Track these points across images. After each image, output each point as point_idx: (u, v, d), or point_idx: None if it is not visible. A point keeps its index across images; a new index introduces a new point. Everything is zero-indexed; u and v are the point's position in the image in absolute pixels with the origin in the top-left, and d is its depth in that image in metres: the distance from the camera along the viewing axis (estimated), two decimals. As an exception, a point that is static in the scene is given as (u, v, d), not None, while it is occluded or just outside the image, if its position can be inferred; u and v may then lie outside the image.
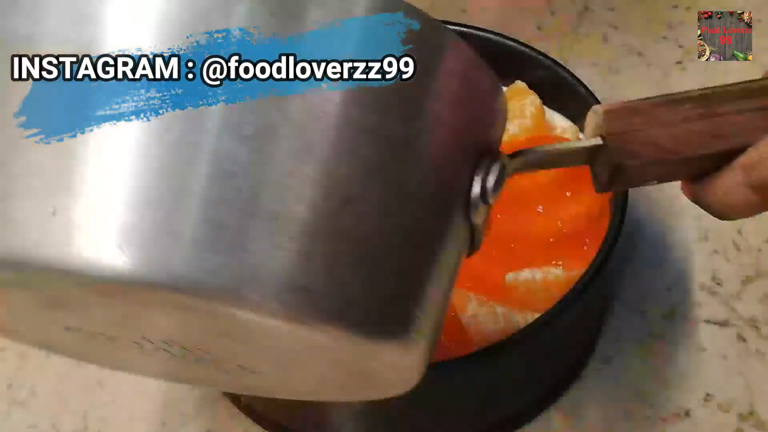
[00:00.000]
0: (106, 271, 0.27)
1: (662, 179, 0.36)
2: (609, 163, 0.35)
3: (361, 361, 0.32)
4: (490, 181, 0.33)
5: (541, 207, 0.52)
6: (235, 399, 0.54)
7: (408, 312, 0.31)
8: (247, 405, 0.54)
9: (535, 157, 0.36)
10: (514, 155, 0.35)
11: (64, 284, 0.28)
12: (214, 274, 0.27)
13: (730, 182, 0.35)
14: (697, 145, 0.35)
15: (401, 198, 0.30)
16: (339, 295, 0.29)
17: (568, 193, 0.52)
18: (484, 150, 0.34)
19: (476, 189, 0.33)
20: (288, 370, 0.35)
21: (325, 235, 0.29)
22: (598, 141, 0.35)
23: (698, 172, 0.36)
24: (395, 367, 0.32)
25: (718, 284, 0.58)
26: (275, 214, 0.28)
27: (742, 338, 0.56)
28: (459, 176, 0.33)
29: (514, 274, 0.50)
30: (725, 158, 0.35)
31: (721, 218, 0.37)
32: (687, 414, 0.53)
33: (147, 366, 0.39)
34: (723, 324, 0.56)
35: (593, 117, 0.36)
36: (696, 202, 0.37)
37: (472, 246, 0.35)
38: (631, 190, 0.50)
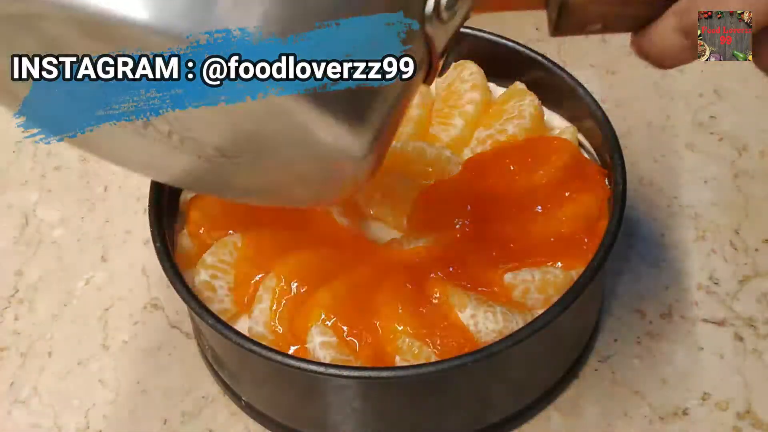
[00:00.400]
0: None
1: (607, 24, 0.39)
2: (556, 1, 0.38)
3: (315, 136, 0.34)
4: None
5: (540, 207, 0.52)
6: (236, 398, 0.54)
7: (360, 101, 0.34)
8: (247, 404, 0.54)
9: None
10: None
11: (62, 20, 0.29)
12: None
13: (664, 28, 0.38)
14: None
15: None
16: None
17: (567, 194, 0.52)
18: None
19: (429, 5, 0.34)
20: (257, 153, 0.38)
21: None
22: None
23: (638, 22, 0.39)
24: (345, 149, 0.35)
25: (716, 284, 0.58)
26: None
27: (739, 337, 0.56)
28: None
29: (514, 274, 0.50)
30: (661, 7, 0.38)
31: (659, 66, 0.40)
32: (685, 413, 0.53)
33: (137, 149, 0.40)
34: (720, 323, 0.57)
35: None
36: (639, 54, 0.40)
37: (430, 69, 0.37)
38: (629, 190, 0.50)
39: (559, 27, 0.39)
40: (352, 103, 0.34)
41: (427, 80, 0.38)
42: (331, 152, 0.35)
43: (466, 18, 0.37)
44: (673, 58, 0.39)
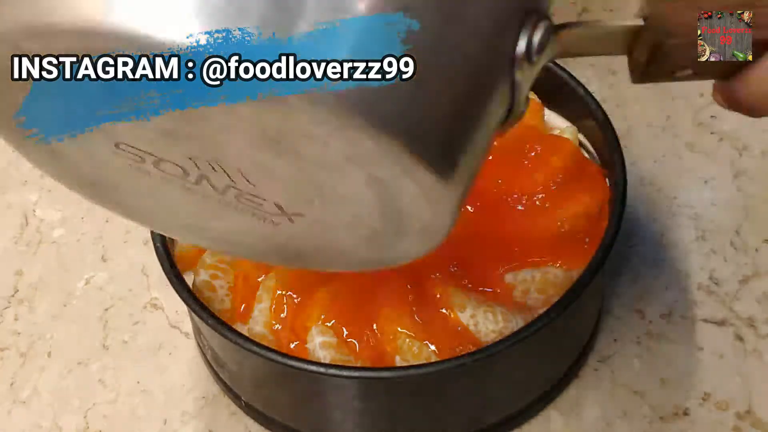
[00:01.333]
0: (178, 38, 0.28)
1: (699, 70, 0.36)
2: (648, 43, 0.35)
3: (400, 184, 0.32)
4: (536, 38, 0.33)
5: (540, 207, 0.52)
6: (236, 398, 0.54)
7: (453, 146, 0.32)
8: (247, 404, 0.54)
9: (581, 31, 0.36)
10: (560, 26, 0.35)
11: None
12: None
13: (764, 72, 0.35)
14: None
15: (456, 33, 0.31)
16: (394, 103, 0.30)
17: (567, 194, 0.52)
18: (530, 8, 0.33)
19: (521, 46, 0.33)
20: (324, 206, 0.35)
21: None
22: (640, 21, 0.35)
23: (734, 66, 0.36)
24: (430, 200, 0.32)
25: (716, 284, 0.58)
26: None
27: (739, 337, 0.56)
28: (504, 32, 0.33)
29: (514, 274, 0.50)
30: (761, 48, 0.35)
31: (751, 114, 0.37)
32: (685, 413, 0.53)
33: (182, 208, 0.38)
34: (721, 323, 0.57)
35: (638, 2, 0.36)
36: (727, 102, 0.37)
37: (511, 114, 0.35)
38: (629, 191, 0.50)
39: (647, 73, 0.36)
40: (444, 146, 0.31)
41: (504, 127, 0.35)
42: (413, 204, 0.33)
43: (549, 60, 0.35)
44: None
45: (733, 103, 0.37)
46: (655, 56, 0.35)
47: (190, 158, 0.34)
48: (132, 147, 0.34)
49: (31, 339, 0.59)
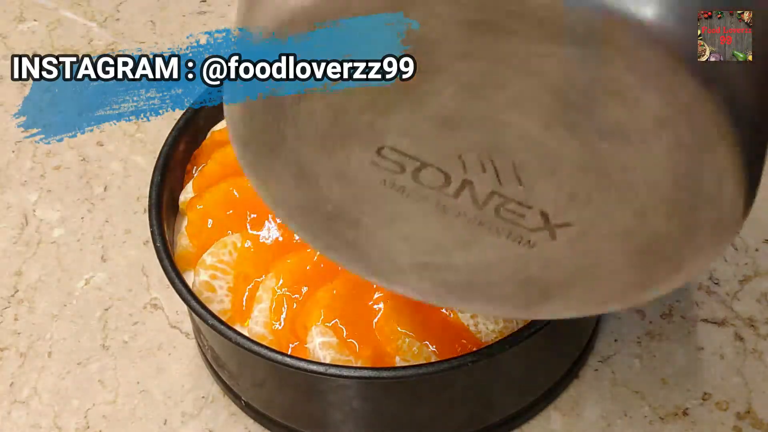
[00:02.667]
0: None
1: None
2: None
3: (707, 155, 0.28)
4: None
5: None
6: (236, 398, 0.54)
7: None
8: (247, 404, 0.54)
9: None
10: None
11: None
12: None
13: None
14: None
15: None
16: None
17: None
18: None
19: None
20: (602, 203, 0.31)
21: None
22: None
23: None
24: (735, 180, 0.29)
25: (716, 284, 0.58)
26: None
27: (740, 337, 0.56)
28: None
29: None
30: None
31: None
32: (685, 413, 0.53)
33: (426, 236, 0.35)
34: (721, 323, 0.57)
35: None
36: None
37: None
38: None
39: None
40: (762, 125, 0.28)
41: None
42: (714, 183, 0.29)
43: None
44: None
45: None
46: None
47: (460, 156, 0.31)
48: (396, 151, 0.32)
49: (30, 339, 0.59)
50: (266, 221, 0.52)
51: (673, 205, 0.30)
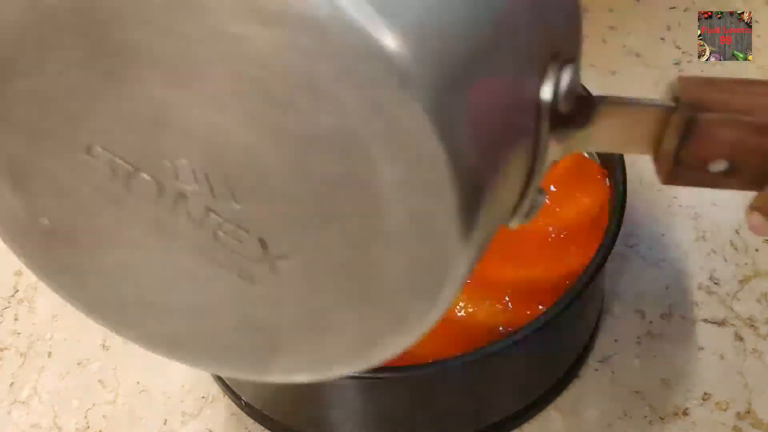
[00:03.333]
0: None
1: (734, 158, 0.33)
2: (680, 123, 0.32)
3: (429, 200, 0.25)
4: (564, 82, 0.29)
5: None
6: (236, 398, 0.54)
7: (481, 193, 0.26)
8: (247, 404, 0.54)
9: (608, 109, 0.32)
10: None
11: None
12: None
13: None
14: None
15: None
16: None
17: (567, 194, 0.52)
18: (556, 52, 0.29)
19: (546, 92, 0.28)
20: (322, 229, 0.28)
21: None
22: (671, 103, 0.33)
23: None
24: (444, 236, 0.26)
25: (716, 284, 0.58)
26: None
27: (739, 337, 0.56)
28: (528, 73, 0.28)
29: (514, 273, 0.50)
30: None
31: None
32: (685, 413, 0.53)
33: (143, 264, 0.31)
34: (721, 323, 0.57)
35: (668, 87, 0.34)
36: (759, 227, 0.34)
37: (522, 199, 0.31)
38: (629, 191, 0.50)
39: (677, 171, 0.32)
40: (476, 189, 0.26)
41: (514, 217, 0.30)
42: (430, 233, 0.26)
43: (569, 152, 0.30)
44: None
45: None
46: (686, 139, 0.32)
47: (172, 162, 0.28)
48: (107, 150, 0.29)
49: (31, 339, 0.59)
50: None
51: (388, 236, 0.27)
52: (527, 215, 0.31)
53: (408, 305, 0.29)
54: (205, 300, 0.32)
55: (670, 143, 0.33)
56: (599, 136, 0.32)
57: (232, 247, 0.29)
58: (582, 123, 0.30)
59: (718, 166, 0.32)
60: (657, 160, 0.33)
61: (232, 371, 0.37)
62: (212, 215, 0.29)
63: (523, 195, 0.31)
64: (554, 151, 0.30)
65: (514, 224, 0.31)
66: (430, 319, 0.29)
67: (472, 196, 0.26)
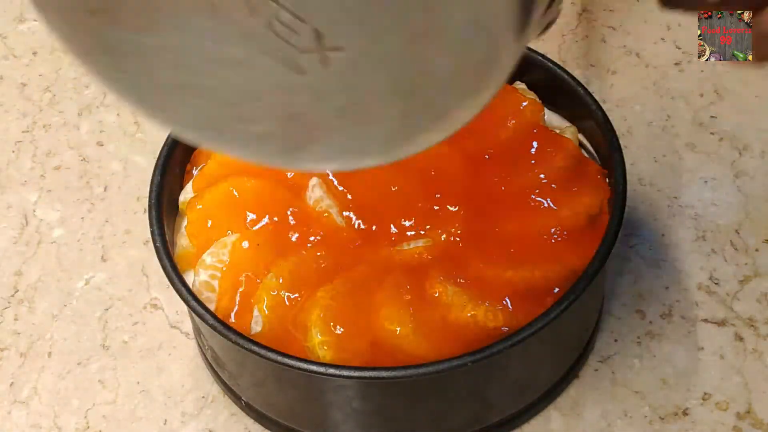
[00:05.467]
0: None
1: None
2: None
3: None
4: None
5: (540, 206, 0.52)
6: (236, 398, 0.54)
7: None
8: (247, 404, 0.54)
9: None
10: None
11: None
12: None
13: None
14: None
15: None
16: None
17: (567, 193, 0.52)
18: None
19: None
20: (378, 23, 0.28)
21: None
22: None
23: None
24: (504, 38, 0.27)
25: (716, 284, 0.58)
26: None
27: (739, 337, 0.56)
28: None
29: (514, 273, 0.50)
30: None
31: None
32: (685, 413, 0.53)
33: (191, 50, 0.32)
34: (721, 323, 0.57)
35: None
36: (756, 42, 0.34)
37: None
38: (629, 191, 0.50)
39: None
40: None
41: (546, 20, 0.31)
42: (485, 20, 0.27)
43: None
44: None
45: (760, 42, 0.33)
46: None
47: None
48: None
49: (30, 339, 0.59)
50: (266, 221, 0.52)
51: (445, 33, 0.28)
52: (546, 29, 0.32)
53: (451, 103, 0.30)
54: (245, 87, 0.32)
55: None
56: None
57: (284, 36, 0.30)
58: None
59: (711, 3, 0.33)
60: None
61: (260, 157, 0.37)
62: (270, 2, 0.29)
63: (549, 6, 0.32)
64: None
65: (533, 35, 0.32)
66: (467, 117, 0.30)
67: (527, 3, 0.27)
